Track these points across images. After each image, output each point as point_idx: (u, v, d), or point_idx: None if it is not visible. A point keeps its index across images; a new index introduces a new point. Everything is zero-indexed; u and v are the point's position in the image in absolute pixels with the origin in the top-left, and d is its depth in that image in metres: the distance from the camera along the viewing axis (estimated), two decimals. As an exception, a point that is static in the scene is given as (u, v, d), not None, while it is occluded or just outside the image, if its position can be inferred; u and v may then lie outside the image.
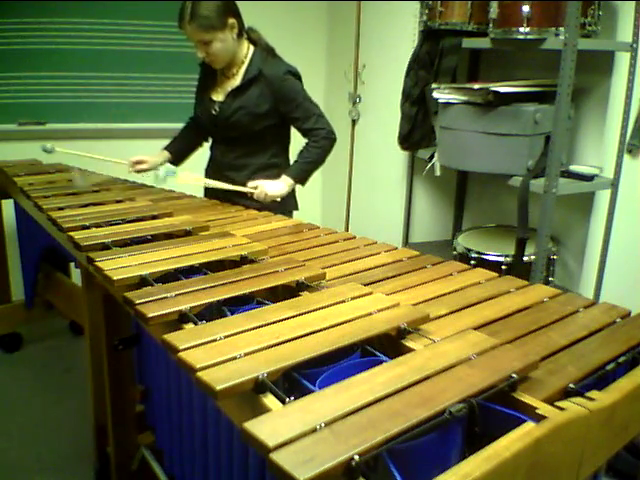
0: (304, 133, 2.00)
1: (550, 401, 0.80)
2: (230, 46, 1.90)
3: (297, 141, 2.08)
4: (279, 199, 1.97)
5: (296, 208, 2.15)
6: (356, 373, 0.82)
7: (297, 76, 1.98)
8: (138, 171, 2.15)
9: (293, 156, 2.06)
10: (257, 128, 1.98)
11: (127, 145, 3.12)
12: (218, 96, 2.03)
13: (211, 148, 2.17)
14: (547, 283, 2.23)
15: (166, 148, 2.22)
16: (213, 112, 2.02)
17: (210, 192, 2.14)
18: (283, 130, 2.05)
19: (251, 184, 1.96)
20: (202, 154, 2.26)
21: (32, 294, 2.69)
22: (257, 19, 3.19)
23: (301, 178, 1.99)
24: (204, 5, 1.80)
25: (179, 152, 2.22)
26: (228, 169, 2.06)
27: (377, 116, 3.16)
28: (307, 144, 1.98)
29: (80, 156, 2.16)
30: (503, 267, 2.19)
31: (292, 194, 2.10)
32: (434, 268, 1.41)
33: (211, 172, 2.14)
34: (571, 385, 0.85)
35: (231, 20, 1.86)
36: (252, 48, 1.99)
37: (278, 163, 2.07)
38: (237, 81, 1.98)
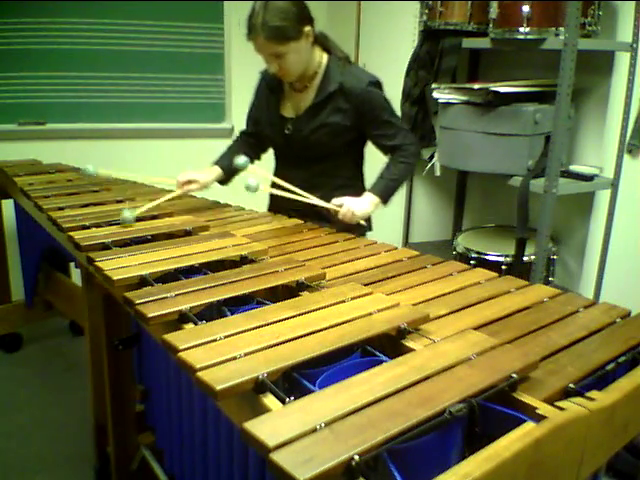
0: (389, 150, 1.80)
1: (550, 401, 0.80)
2: (305, 57, 1.70)
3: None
4: (363, 221, 1.77)
5: (370, 228, 1.93)
6: (356, 373, 0.82)
7: (380, 86, 1.77)
8: (187, 192, 1.87)
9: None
10: (336, 146, 1.80)
11: (127, 145, 3.14)
12: (289, 112, 1.82)
13: (278, 166, 1.96)
14: (547, 283, 2.23)
15: (217, 163, 1.95)
16: (286, 131, 1.81)
17: (275, 207, 1.95)
18: (359, 146, 1.87)
19: (336, 201, 1.73)
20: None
21: (32, 294, 2.69)
22: (257, 19, 3.20)
23: (387, 196, 1.78)
24: (278, 13, 1.58)
25: (231, 168, 1.90)
26: (302, 188, 1.80)
27: (377, 116, 3.16)
28: (393, 160, 1.79)
29: (125, 179, 1.93)
30: (503, 267, 2.19)
31: None
32: (434, 268, 1.41)
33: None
34: (571, 385, 0.85)
35: (307, 28, 1.65)
36: (325, 56, 1.78)
37: (353, 182, 1.89)
38: (311, 95, 1.77)
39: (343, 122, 1.75)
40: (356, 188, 1.86)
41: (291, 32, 1.61)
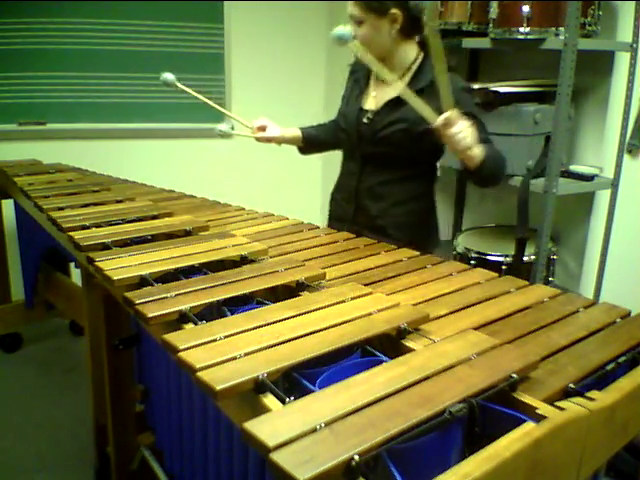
0: None
1: (550, 401, 0.80)
2: (383, 40, 1.62)
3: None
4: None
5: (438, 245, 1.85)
6: (356, 373, 0.82)
7: (472, 94, 1.69)
8: (260, 139, 1.90)
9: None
10: (410, 150, 1.67)
11: (127, 145, 3.14)
12: (371, 104, 1.74)
13: (342, 171, 1.88)
14: (547, 283, 2.23)
15: (301, 128, 1.94)
16: (364, 120, 1.71)
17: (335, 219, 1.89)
18: (435, 158, 1.75)
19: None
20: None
21: (32, 294, 2.69)
22: (257, 19, 3.20)
23: (486, 158, 1.50)
24: None
25: (312, 138, 1.94)
26: (366, 197, 1.75)
27: (377, 116, 3.15)
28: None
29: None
30: (503, 267, 2.19)
31: (435, 228, 1.85)
32: (434, 268, 1.41)
33: (340, 198, 1.86)
34: (571, 385, 0.85)
35: (394, 11, 1.58)
36: (422, 55, 1.69)
37: (421, 197, 1.77)
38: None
39: (425, 122, 1.50)
40: (424, 201, 1.78)
41: (375, 4, 1.58)
